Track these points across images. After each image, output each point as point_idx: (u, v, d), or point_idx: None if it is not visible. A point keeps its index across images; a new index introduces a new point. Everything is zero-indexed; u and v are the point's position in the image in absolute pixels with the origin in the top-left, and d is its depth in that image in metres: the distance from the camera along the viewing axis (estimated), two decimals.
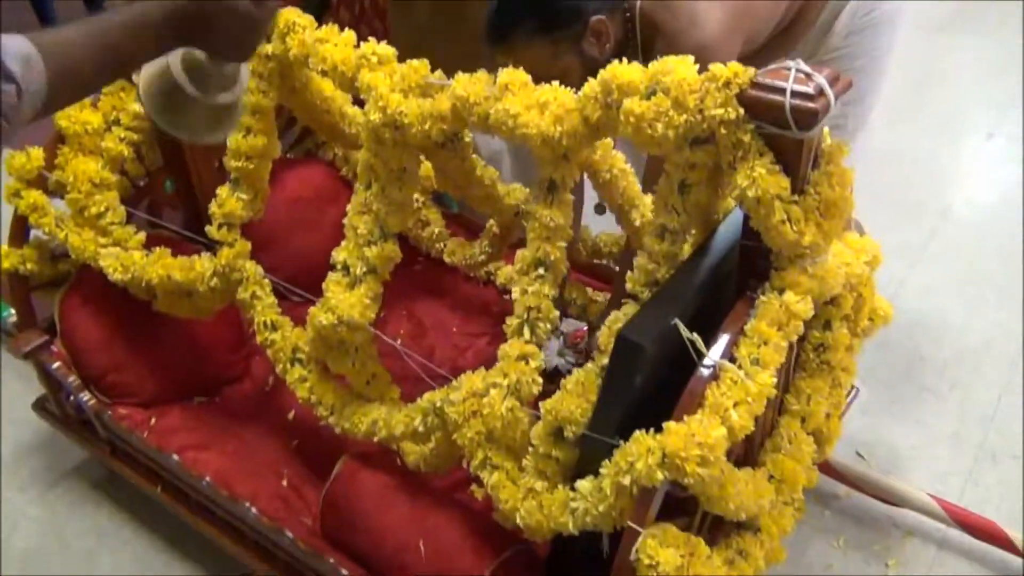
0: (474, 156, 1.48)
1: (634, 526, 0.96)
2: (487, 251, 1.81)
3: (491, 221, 1.77)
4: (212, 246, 1.56)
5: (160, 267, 1.51)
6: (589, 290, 1.81)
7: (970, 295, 2.14)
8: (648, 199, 1.30)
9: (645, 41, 1.35)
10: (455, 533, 1.28)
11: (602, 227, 1.72)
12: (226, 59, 1.07)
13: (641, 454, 0.94)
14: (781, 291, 1.03)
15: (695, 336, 0.99)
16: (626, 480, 0.96)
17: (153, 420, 1.63)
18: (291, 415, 1.68)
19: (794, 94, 0.93)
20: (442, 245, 1.91)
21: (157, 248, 1.57)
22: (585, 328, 1.73)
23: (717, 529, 1.17)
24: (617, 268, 1.64)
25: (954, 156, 2.77)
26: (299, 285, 1.96)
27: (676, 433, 0.93)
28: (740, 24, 1.33)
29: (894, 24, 1.59)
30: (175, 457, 1.47)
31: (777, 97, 0.94)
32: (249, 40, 1.04)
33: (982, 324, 2.07)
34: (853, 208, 1.02)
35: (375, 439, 1.36)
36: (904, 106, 2.74)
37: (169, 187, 1.86)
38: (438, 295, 1.99)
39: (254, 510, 1.37)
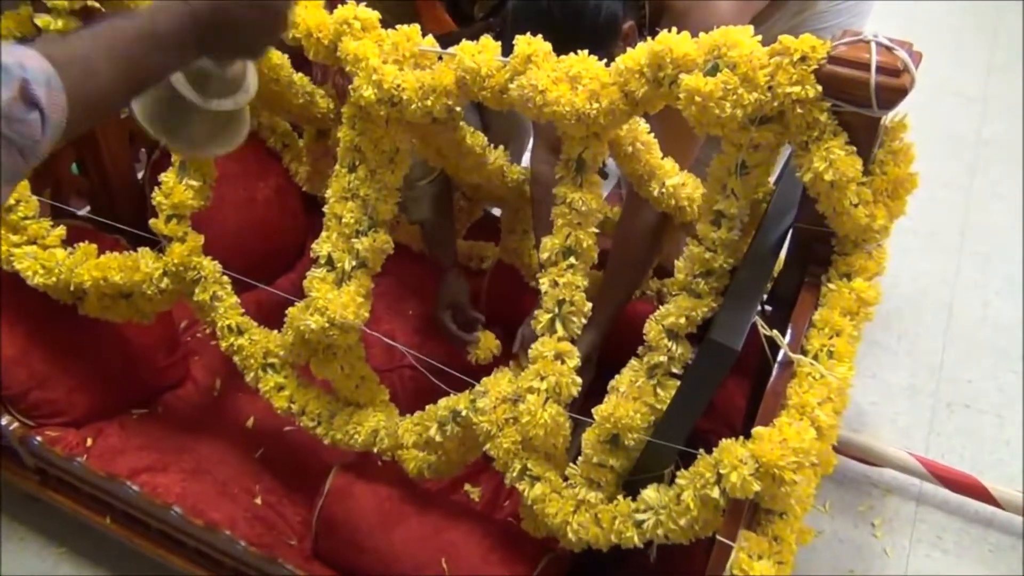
0: (462, 124, 1.34)
1: (726, 541, 0.90)
2: None
3: (456, 194, 1.64)
4: (133, 236, 1.37)
5: (94, 268, 1.30)
6: None
7: (896, 244, 2.20)
8: (668, 166, 1.21)
9: (652, 18, 1.25)
10: (478, 547, 1.19)
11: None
12: (237, 58, 0.92)
13: (733, 464, 0.87)
14: (847, 276, 0.98)
15: (775, 333, 0.92)
16: (714, 492, 0.89)
17: (90, 441, 1.42)
18: (250, 422, 1.52)
19: (880, 70, 0.86)
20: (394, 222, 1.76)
21: (80, 245, 1.35)
22: None
23: (752, 516, 1.14)
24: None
25: None
26: (231, 270, 1.79)
27: (769, 440, 0.86)
28: (749, 5, 1.25)
29: None
30: (134, 487, 1.28)
31: (860, 73, 0.87)
32: (266, 36, 0.91)
33: (911, 273, 2.13)
34: (917, 186, 0.98)
35: (375, 449, 1.24)
36: None
37: (75, 169, 1.61)
38: (385, 274, 1.82)
39: (242, 543, 1.21)
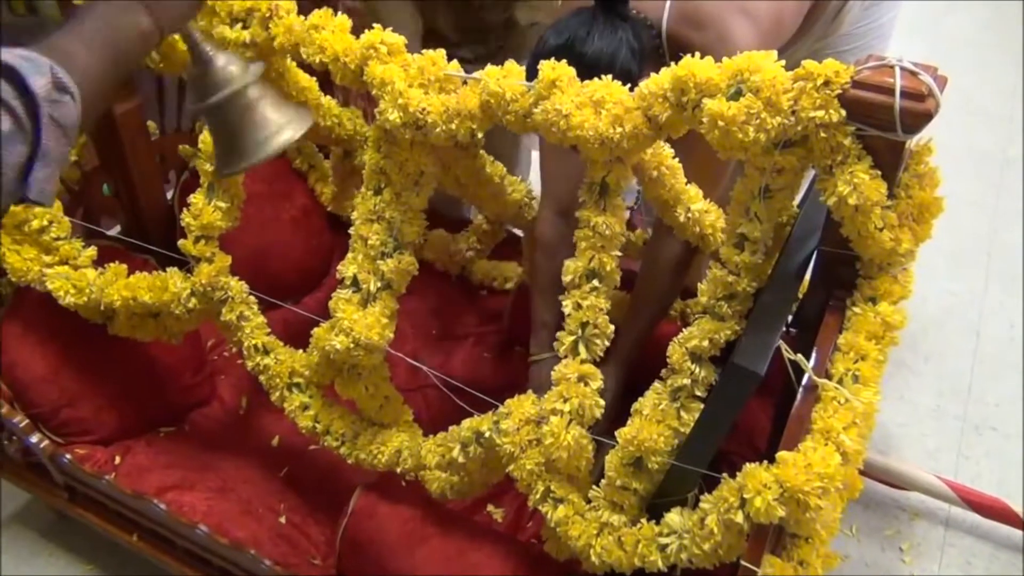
0: (482, 152, 1.36)
1: (750, 566, 0.89)
2: (475, 247, 1.69)
3: (479, 217, 1.65)
4: (163, 256, 1.39)
5: (123, 288, 1.32)
6: None
7: (922, 264, 2.19)
8: (692, 191, 1.22)
9: (672, 62, 1.26)
10: (501, 568, 1.18)
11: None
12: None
13: (757, 489, 0.86)
14: (872, 300, 0.97)
15: (799, 357, 0.92)
16: (738, 517, 0.89)
17: (118, 459, 1.44)
18: (275, 441, 1.53)
19: (904, 94, 0.86)
20: (419, 241, 1.77)
21: (110, 265, 1.38)
22: None
23: (776, 540, 1.13)
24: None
25: None
26: (257, 290, 1.81)
27: (794, 465, 0.86)
28: (771, 39, 1.25)
29: None
30: (161, 506, 1.29)
31: (885, 98, 0.87)
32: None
33: (937, 293, 2.12)
34: (943, 210, 0.97)
35: (398, 470, 1.24)
36: None
37: (106, 190, 1.64)
38: (410, 294, 1.84)
39: (267, 562, 1.22)
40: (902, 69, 0.88)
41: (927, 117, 0.87)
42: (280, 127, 1.08)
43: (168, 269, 1.35)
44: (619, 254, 1.08)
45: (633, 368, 1.39)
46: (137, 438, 1.49)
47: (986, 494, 1.57)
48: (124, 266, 1.38)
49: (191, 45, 1.05)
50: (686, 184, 1.22)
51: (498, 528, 1.40)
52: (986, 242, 2.28)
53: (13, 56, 0.70)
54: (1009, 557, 1.55)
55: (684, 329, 1.06)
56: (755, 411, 1.45)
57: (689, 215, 1.21)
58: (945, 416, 1.82)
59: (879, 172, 0.91)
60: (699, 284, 1.05)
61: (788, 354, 0.92)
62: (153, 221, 1.71)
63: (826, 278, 1.02)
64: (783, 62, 0.93)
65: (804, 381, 0.93)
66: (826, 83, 0.89)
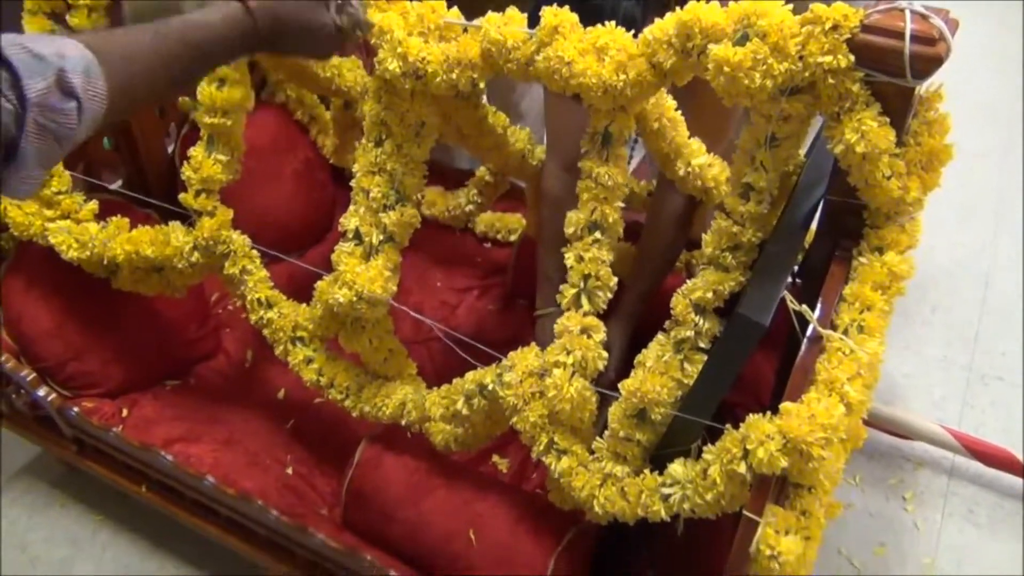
0: (484, 102, 1.34)
1: (752, 516, 0.89)
2: (475, 201, 1.68)
3: (482, 169, 1.63)
4: (164, 210, 1.38)
5: (126, 242, 1.32)
6: None
7: (931, 215, 2.17)
8: (694, 145, 1.20)
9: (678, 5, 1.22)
10: (506, 518, 1.19)
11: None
12: (300, 56, 0.98)
13: (760, 440, 0.86)
14: (879, 250, 0.96)
15: (804, 308, 0.91)
16: (741, 467, 0.89)
17: (125, 411, 1.45)
18: (281, 393, 1.53)
19: (914, 38, 0.84)
20: (419, 195, 1.75)
21: (112, 219, 1.37)
22: None
23: (780, 491, 1.13)
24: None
25: None
26: (261, 243, 1.80)
27: (797, 415, 0.85)
28: None
29: None
30: (168, 457, 1.31)
31: (894, 42, 0.85)
32: (326, 47, 1.02)
33: (946, 244, 2.10)
34: (953, 158, 0.95)
35: (403, 422, 1.24)
36: None
37: (107, 144, 1.63)
38: (414, 247, 1.82)
39: (274, 512, 1.23)
40: (912, 12, 0.86)
41: (938, 61, 0.85)
42: None
43: (170, 223, 1.35)
44: (622, 205, 1.07)
45: (640, 321, 1.38)
46: (144, 391, 1.50)
47: (990, 443, 1.57)
48: (126, 220, 1.38)
49: None
50: (689, 138, 1.20)
51: (503, 479, 1.41)
52: (996, 192, 2.26)
53: (23, 52, 0.66)
54: (1012, 506, 1.55)
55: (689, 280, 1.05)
56: (759, 363, 1.45)
57: (689, 169, 1.19)
58: (952, 366, 1.81)
59: (887, 119, 0.89)
60: (703, 235, 1.04)
61: (793, 305, 0.91)
62: (154, 175, 1.70)
63: (832, 228, 1.01)
64: (791, 6, 0.91)
65: (809, 332, 0.92)
66: (834, 27, 0.86)
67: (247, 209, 1.72)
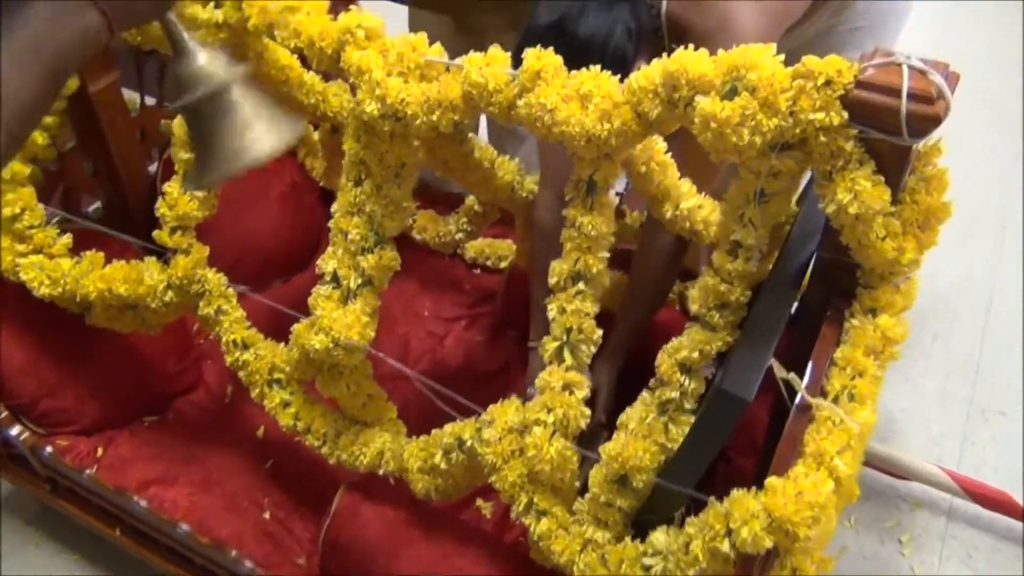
0: (471, 136, 1.29)
1: None
2: (465, 229, 1.63)
3: (471, 197, 1.59)
4: (145, 241, 1.34)
5: (98, 280, 1.28)
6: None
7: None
8: (685, 187, 1.15)
9: (672, 45, 1.18)
10: (486, 573, 1.15)
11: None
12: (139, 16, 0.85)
13: (744, 519, 0.82)
14: (872, 312, 0.92)
15: (793, 376, 0.87)
16: (724, 545, 0.85)
17: (100, 450, 1.41)
18: (260, 431, 1.49)
19: (912, 96, 0.80)
20: (411, 220, 1.71)
21: (87, 254, 1.33)
22: None
23: (766, 561, 1.09)
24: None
25: None
26: (245, 271, 1.76)
27: (783, 493, 0.81)
28: (776, 26, 1.17)
29: None
30: (142, 503, 1.27)
31: (891, 100, 0.80)
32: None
33: (947, 269, 2.05)
34: (951, 215, 0.91)
35: (381, 472, 1.21)
36: None
37: (87, 169, 1.59)
38: (401, 274, 1.78)
39: (248, 563, 1.19)
40: (910, 68, 0.81)
41: (936, 121, 0.80)
42: (262, 134, 0.92)
43: (146, 259, 1.31)
44: (607, 255, 1.03)
45: (632, 356, 1.34)
46: (120, 428, 1.46)
47: (989, 486, 1.52)
48: (101, 254, 1.34)
49: (170, 35, 0.94)
50: (680, 177, 1.15)
51: (486, 524, 1.37)
52: (999, 216, 2.20)
53: None
54: (1011, 550, 1.51)
55: (676, 335, 1.00)
56: (753, 406, 1.40)
57: (677, 212, 1.15)
58: (951, 399, 1.77)
59: (882, 178, 0.84)
60: (690, 291, 0.99)
61: (780, 372, 0.87)
62: (135, 199, 1.66)
63: (825, 285, 0.96)
64: (782, 56, 0.86)
65: (797, 400, 0.88)
66: (827, 83, 0.82)
67: (230, 234, 1.70)
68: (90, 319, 1.35)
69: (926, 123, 0.80)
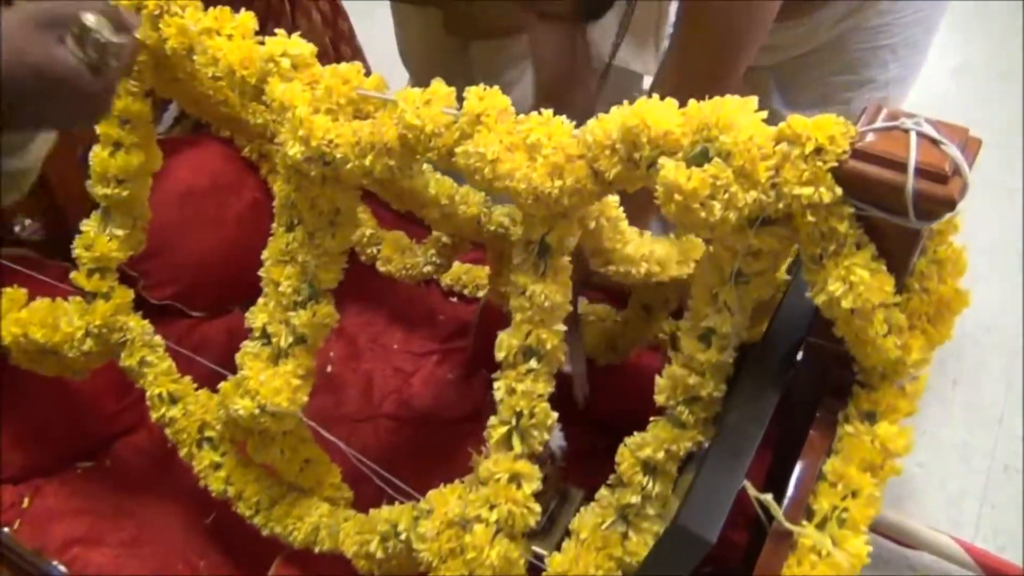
0: (425, 170, 1.15)
1: None
2: (434, 262, 1.49)
3: (436, 232, 1.44)
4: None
5: (13, 324, 1.15)
6: None
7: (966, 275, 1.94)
8: (634, 239, 1.00)
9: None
10: None
11: None
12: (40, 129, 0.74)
13: None
14: (870, 417, 0.77)
15: (768, 498, 0.72)
16: None
17: (27, 501, 1.29)
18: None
19: (920, 172, 0.64)
20: (375, 250, 1.57)
21: (7, 291, 1.20)
22: None
23: None
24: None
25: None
26: (199, 297, 1.64)
27: None
28: None
29: None
30: (61, 568, 1.15)
31: (895, 175, 0.65)
32: (78, 113, 0.75)
33: (984, 307, 1.86)
34: (968, 305, 0.76)
35: (316, 550, 1.08)
36: None
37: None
38: (371, 302, 1.66)
39: None
40: (919, 136, 0.66)
41: (949, 204, 0.65)
42: None
43: (70, 299, 1.18)
44: (563, 328, 0.88)
45: (610, 394, 1.20)
46: (50, 476, 1.34)
47: (1007, 562, 1.37)
48: (24, 292, 1.21)
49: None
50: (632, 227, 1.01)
51: None
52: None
53: None
54: None
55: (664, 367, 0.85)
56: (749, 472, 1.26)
57: (623, 269, 1.01)
58: (972, 454, 1.61)
59: (883, 264, 0.69)
60: (657, 378, 0.84)
61: (753, 494, 0.72)
62: (75, 212, 1.51)
63: (814, 378, 0.81)
64: (764, 114, 0.71)
65: (775, 526, 0.73)
66: (817, 151, 0.67)
67: (183, 257, 1.57)
68: (12, 360, 1.23)
69: (937, 205, 0.65)
